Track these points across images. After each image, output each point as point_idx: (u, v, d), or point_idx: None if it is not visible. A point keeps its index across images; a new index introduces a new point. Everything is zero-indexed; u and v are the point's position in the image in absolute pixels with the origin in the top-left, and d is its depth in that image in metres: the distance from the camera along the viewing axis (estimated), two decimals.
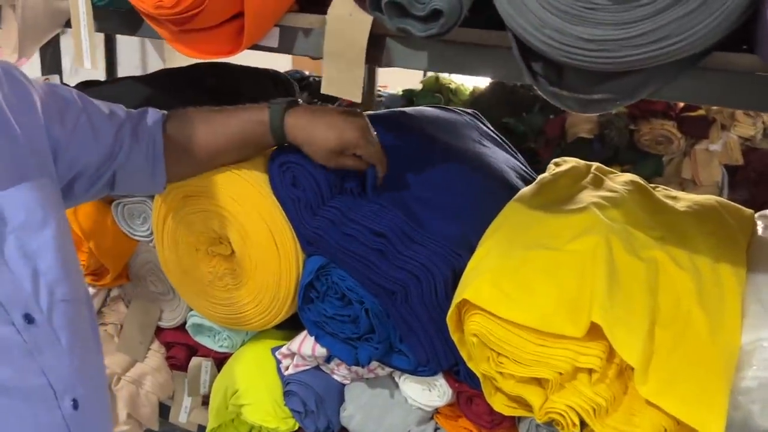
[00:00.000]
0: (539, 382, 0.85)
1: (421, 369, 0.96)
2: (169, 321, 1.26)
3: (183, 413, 1.22)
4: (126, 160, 0.97)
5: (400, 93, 3.68)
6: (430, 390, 1.00)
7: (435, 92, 3.54)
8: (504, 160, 1.26)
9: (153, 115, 1.02)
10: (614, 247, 0.89)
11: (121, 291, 1.31)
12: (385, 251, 0.93)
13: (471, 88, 3.51)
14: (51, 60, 1.21)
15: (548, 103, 0.80)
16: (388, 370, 1.02)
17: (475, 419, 0.97)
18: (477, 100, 3.40)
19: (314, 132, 0.95)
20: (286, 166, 0.99)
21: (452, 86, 3.56)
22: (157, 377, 1.25)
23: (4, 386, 0.72)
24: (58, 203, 0.86)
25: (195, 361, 1.20)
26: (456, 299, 0.85)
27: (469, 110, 1.45)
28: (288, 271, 1.02)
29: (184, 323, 1.22)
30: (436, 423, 1.02)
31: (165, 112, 1.03)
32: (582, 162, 1.31)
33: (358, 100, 0.90)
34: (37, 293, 0.76)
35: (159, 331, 1.28)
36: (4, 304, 0.73)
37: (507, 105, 3.32)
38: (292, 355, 1.05)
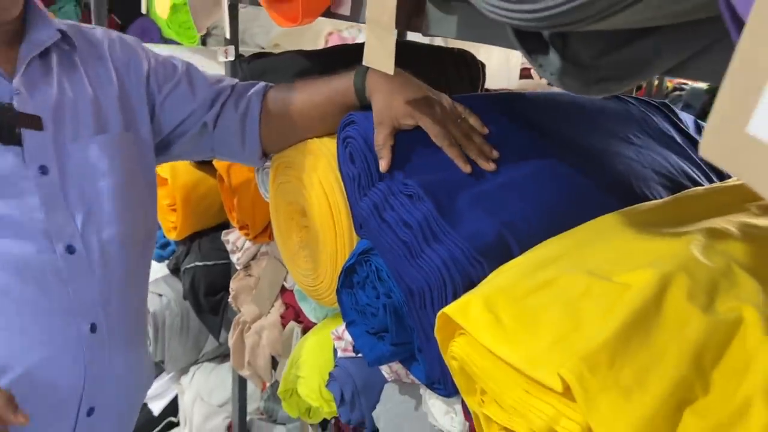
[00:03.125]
0: None
1: (436, 386, 0.84)
2: (291, 282, 1.32)
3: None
4: (219, 119, 1.05)
5: (704, 88, 3.13)
6: (455, 414, 0.86)
7: None
8: (655, 164, 1.00)
9: (258, 86, 1.09)
10: (672, 289, 0.64)
11: (268, 248, 1.42)
12: (411, 246, 0.83)
13: None
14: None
15: None
16: None
17: None
18: None
19: (392, 85, 0.93)
20: (347, 141, 0.94)
21: None
22: (270, 333, 1.33)
23: (32, 302, 0.86)
24: (139, 156, 0.98)
25: (290, 325, 1.24)
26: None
27: (655, 101, 1.18)
28: (343, 252, 0.98)
29: None
30: None
31: (272, 85, 1.10)
32: None
33: (390, 71, 0.81)
34: (85, 230, 0.89)
35: (284, 290, 1.35)
36: (52, 235, 0.87)
37: None
38: (340, 338, 1.01)
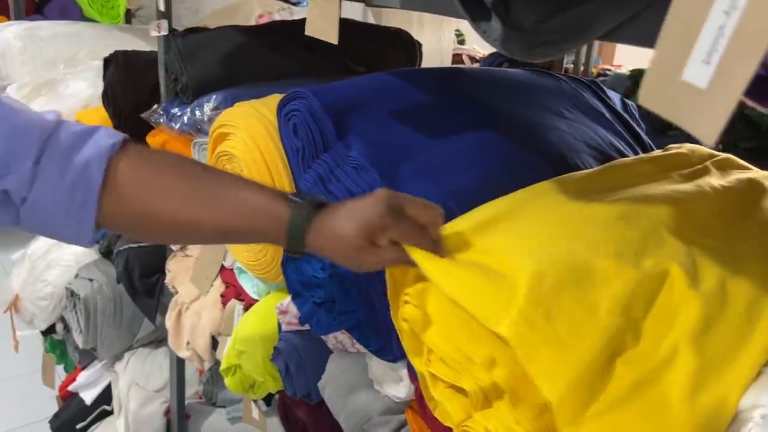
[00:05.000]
0: (467, 394, 0.69)
1: (381, 352, 0.86)
2: (229, 261, 1.30)
3: (225, 350, 1.27)
4: (32, 188, 0.67)
5: (627, 73, 3.28)
6: (400, 380, 0.88)
7: None
8: (586, 137, 1.04)
9: (100, 139, 0.70)
10: (603, 248, 0.68)
11: None
12: None
13: None
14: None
15: None
16: None
17: (430, 423, 0.83)
18: None
19: (335, 229, 0.69)
20: (291, 115, 0.94)
21: None
22: (210, 313, 1.31)
23: None
24: None
25: (231, 303, 1.23)
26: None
27: (585, 79, 1.23)
28: None
29: None
30: (406, 419, 0.90)
31: (121, 139, 0.71)
32: (705, 150, 1.03)
33: (334, 41, 0.82)
34: None
35: (223, 269, 1.34)
36: None
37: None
38: (285, 312, 1.02)
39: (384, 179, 0.83)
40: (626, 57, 3.55)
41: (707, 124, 0.35)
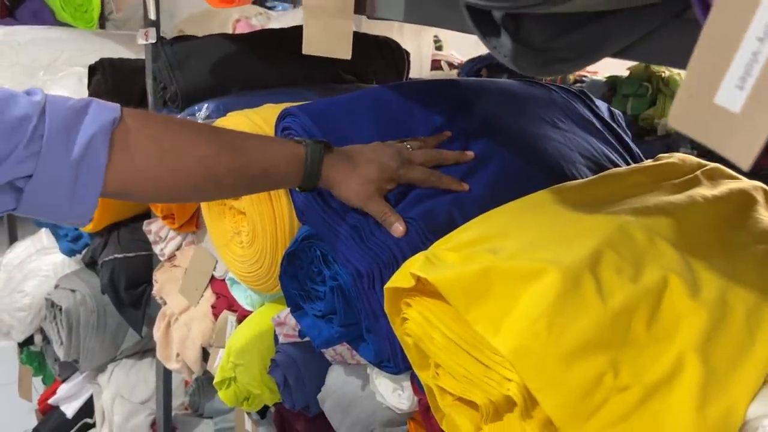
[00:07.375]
0: (477, 407, 0.70)
1: (385, 365, 0.86)
2: (220, 272, 1.29)
3: (216, 363, 1.26)
4: (36, 170, 0.65)
5: (603, 79, 3.34)
6: (402, 391, 0.88)
7: (643, 80, 3.12)
8: (580, 147, 1.05)
9: (100, 114, 0.69)
10: (602, 263, 0.68)
11: (194, 237, 1.39)
12: (361, 229, 0.84)
13: None
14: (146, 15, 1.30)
15: None
16: None
17: None
18: None
19: (352, 169, 0.82)
20: (286, 133, 0.94)
21: (664, 75, 3.10)
22: (201, 324, 1.30)
23: None
24: None
25: (224, 314, 1.22)
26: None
27: (574, 89, 1.25)
28: (283, 238, 0.98)
29: None
30: (408, 430, 0.91)
31: (118, 110, 0.72)
32: (695, 160, 1.05)
33: (348, 56, 0.81)
34: None
35: (213, 280, 1.32)
36: None
37: None
38: (282, 323, 1.01)
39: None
40: (602, 63, 3.61)
41: (741, 148, 0.35)
